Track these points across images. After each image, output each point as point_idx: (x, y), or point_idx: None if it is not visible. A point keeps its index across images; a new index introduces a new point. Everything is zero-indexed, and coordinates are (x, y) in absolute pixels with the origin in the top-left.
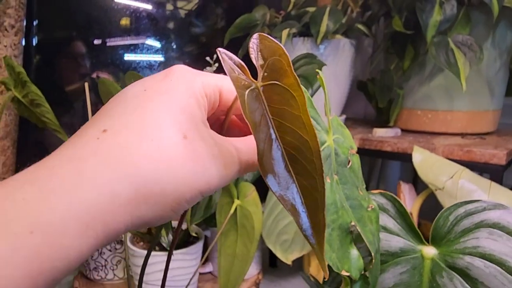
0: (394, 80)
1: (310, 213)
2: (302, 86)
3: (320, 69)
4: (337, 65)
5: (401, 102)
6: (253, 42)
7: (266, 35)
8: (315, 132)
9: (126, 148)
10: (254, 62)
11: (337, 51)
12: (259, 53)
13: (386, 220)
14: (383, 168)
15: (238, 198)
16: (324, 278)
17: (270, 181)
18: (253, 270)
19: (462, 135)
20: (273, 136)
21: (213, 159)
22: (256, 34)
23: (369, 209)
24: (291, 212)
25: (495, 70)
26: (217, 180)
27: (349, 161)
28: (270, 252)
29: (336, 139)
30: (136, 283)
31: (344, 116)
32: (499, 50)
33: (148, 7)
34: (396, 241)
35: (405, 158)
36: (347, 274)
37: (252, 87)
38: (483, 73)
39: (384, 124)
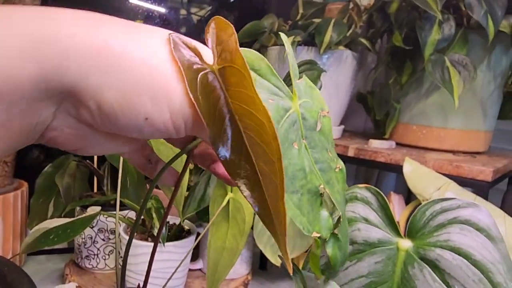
0: (392, 94)
1: (271, 201)
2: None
3: (320, 75)
4: (338, 76)
5: (397, 116)
6: (211, 26)
7: (223, 18)
8: (269, 114)
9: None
10: (209, 45)
11: (339, 62)
12: (215, 36)
13: (368, 212)
14: (379, 179)
15: (231, 191)
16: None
17: (228, 166)
18: (242, 270)
19: (454, 152)
20: (232, 119)
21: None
22: (214, 17)
23: (337, 170)
24: (248, 199)
25: (489, 92)
26: (149, 108)
27: (319, 124)
28: (261, 254)
29: (303, 104)
30: (127, 272)
31: (342, 127)
32: (494, 73)
33: (162, 10)
34: (375, 232)
35: (397, 169)
36: (318, 235)
37: (206, 71)
38: (478, 94)
39: (381, 136)
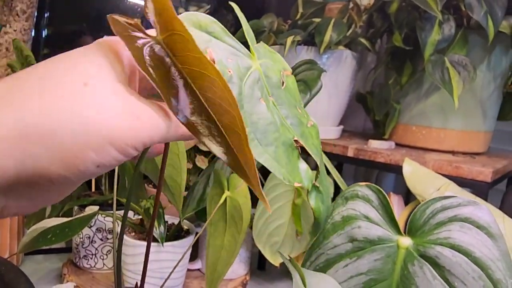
0: (392, 94)
1: (238, 150)
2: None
3: (320, 75)
4: (338, 76)
5: (397, 117)
6: (148, 2)
7: None
8: (217, 69)
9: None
10: (150, 19)
11: (339, 62)
12: (154, 9)
13: (369, 210)
14: (378, 180)
15: (228, 190)
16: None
17: (192, 127)
18: (241, 271)
19: (454, 153)
20: (186, 84)
21: (125, 111)
22: None
23: (309, 125)
24: (217, 154)
25: (489, 93)
26: (132, 133)
27: (283, 82)
28: (259, 254)
29: (264, 63)
30: (123, 271)
31: (341, 127)
32: (494, 73)
33: None
34: (375, 230)
35: (397, 170)
36: (299, 185)
37: (151, 43)
38: (477, 95)
39: (380, 137)
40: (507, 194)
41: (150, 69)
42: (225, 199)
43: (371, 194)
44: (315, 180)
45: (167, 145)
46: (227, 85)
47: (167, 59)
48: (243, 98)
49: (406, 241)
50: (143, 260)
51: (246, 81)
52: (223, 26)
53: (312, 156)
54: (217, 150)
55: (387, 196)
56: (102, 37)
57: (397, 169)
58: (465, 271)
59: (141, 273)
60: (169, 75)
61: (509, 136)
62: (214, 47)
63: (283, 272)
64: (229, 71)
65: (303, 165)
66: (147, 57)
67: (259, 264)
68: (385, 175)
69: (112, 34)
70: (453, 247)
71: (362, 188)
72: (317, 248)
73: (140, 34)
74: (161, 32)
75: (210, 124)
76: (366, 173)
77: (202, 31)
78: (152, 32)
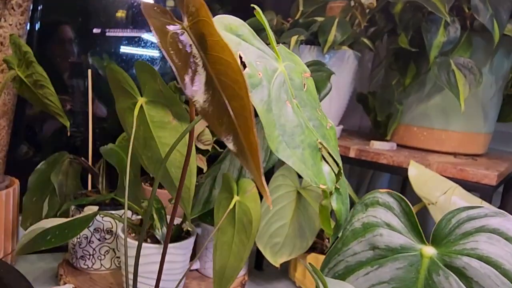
0: (396, 95)
1: (244, 134)
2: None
3: (329, 77)
4: (340, 76)
5: (399, 118)
6: None
7: None
8: (232, 52)
9: None
10: (181, 8)
11: (341, 62)
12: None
13: (390, 218)
14: (372, 180)
15: (237, 194)
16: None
17: (204, 111)
18: (240, 271)
19: (455, 154)
20: (204, 69)
21: None
22: None
23: (328, 127)
24: (222, 136)
25: (490, 95)
26: None
27: (305, 85)
28: (257, 254)
29: (287, 66)
30: (123, 273)
31: (341, 127)
32: (495, 76)
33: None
34: (397, 238)
35: (400, 171)
36: (324, 187)
37: (178, 29)
38: (479, 97)
39: (380, 137)
40: (506, 196)
41: (172, 52)
42: (234, 204)
43: (392, 202)
44: (337, 181)
45: (189, 150)
46: (240, 69)
47: (190, 45)
48: (271, 100)
49: (430, 250)
50: (144, 262)
51: (273, 83)
52: (250, 28)
53: (334, 157)
54: (223, 134)
55: (409, 204)
56: (103, 32)
57: (400, 171)
58: (494, 283)
59: (141, 274)
60: (189, 59)
61: (507, 137)
62: (244, 50)
63: (281, 272)
64: (259, 74)
65: (326, 167)
66: (172, 42)
67: (256, 264)
68: (379, 175)
69: (103, 28)
70: (481, 258)
71: (383, 195)
72: (336, 255)
73: (169, 21)
74: (188, 20)
75: (221, 107)
76: (361, 173)
77: (233, 34)
78: (184, 20)
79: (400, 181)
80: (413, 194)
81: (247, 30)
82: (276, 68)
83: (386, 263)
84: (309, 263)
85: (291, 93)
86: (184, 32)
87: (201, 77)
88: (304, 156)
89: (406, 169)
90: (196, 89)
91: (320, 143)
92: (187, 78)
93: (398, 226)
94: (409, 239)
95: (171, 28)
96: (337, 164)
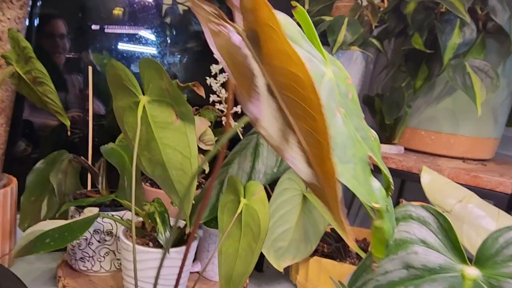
0: (406, 98)
1: (318, 162)
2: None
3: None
4: None
5: (407, 121)
6: None
7: None
8: (305, 65)
9: None
10: (234, 4)
11: (349, 63)
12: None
13: (425, 234)
14: None
15: (244, 197)
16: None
17: (263, 130)
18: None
19: (464, 159)
20: (264, 80)
21: None
22: None
23: (372, 138)
24: (294, 167)
25: (502, 99)
26: None
27: (349, 92)
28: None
29: (333, 71)
30: (124, 277)
31: None
32: (507, 79)
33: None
34: (435, 257)
35: (409, 176)
36: (377, 205)
37: (232, 33)
38: (490, 102)
39: (386, 140)
40: None
41: (228, 59)
42: (241, 206)
43: (428, 216)
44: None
45: (220, 155)
46: (313, 85)
47: (246, 51)
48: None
49: (473, 272)
50: (145, 266)
51: (323, 90)
52: (299, 29)
53: (384, 172)
54: (294, 161)
55: (448, 219)
56: (91, 27)
57: (409, 176)
58: None
59: (142, 279)
60: (245, 67)
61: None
62: None
63: (281, 274)
64: None
65: (376, 183)
66: (226, 48)
67: (257, 266)
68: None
69: (101, 24)
70: None
71: (416, 209)
72: (364, 273)
73: (222, 22)
74: (244, 22)
75: (286, 128)
76: None
77: None
78: (237, 21)
79: (398, 184)
80: (412, 196)
81: (296, 30)
82: (324, 72)
83: (422, 284)
84: (339, 281)
85: (339, 102)
86: (240, 38)
87: (260, 90)
88: (356, 171)
89: (416, 174)
90: (255, 108)
91: (370, 157)
92: (243, 90)
93: (435, 243)
94: (448, 258)
95: (224, 31)
96: (388, 179)
